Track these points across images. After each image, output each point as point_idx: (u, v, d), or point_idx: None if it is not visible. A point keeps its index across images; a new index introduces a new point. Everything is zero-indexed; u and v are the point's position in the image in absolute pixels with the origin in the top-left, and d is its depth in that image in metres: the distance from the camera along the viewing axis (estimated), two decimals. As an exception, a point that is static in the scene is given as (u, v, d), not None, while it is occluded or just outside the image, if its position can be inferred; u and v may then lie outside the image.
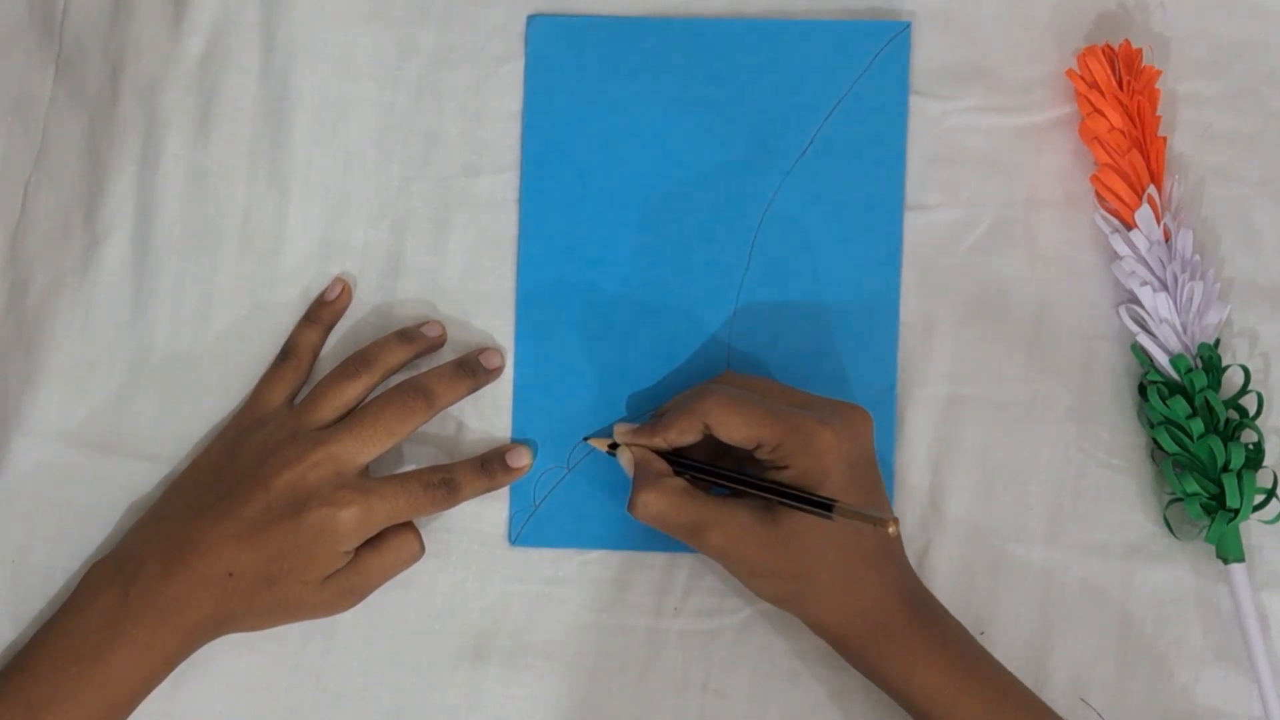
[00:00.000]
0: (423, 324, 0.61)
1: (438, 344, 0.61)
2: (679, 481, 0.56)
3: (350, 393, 0.58)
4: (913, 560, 0.60)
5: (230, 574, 0.55)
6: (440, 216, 0.63)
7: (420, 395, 0.58)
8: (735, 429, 0.55)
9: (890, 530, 0.49)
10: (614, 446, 0.59)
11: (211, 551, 0.55)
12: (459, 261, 0.63)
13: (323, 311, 0.61)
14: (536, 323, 0.62)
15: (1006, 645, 0.59)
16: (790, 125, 0.63)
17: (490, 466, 0.60)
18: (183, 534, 0.56)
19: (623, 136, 0.63)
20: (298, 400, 0.60)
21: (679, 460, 0.57)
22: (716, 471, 0.57)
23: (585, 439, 0.61)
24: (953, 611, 0.57)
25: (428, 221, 0.63)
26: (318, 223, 0.63)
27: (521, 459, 0.60)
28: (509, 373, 0.62)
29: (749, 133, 0.63)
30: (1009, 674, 0.56)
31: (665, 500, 0.55)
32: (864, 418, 0.56)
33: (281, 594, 0.56)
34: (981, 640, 0.58)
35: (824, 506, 0.52)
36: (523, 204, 0.63)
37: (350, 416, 0.57)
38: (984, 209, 0.63)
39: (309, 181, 0.63)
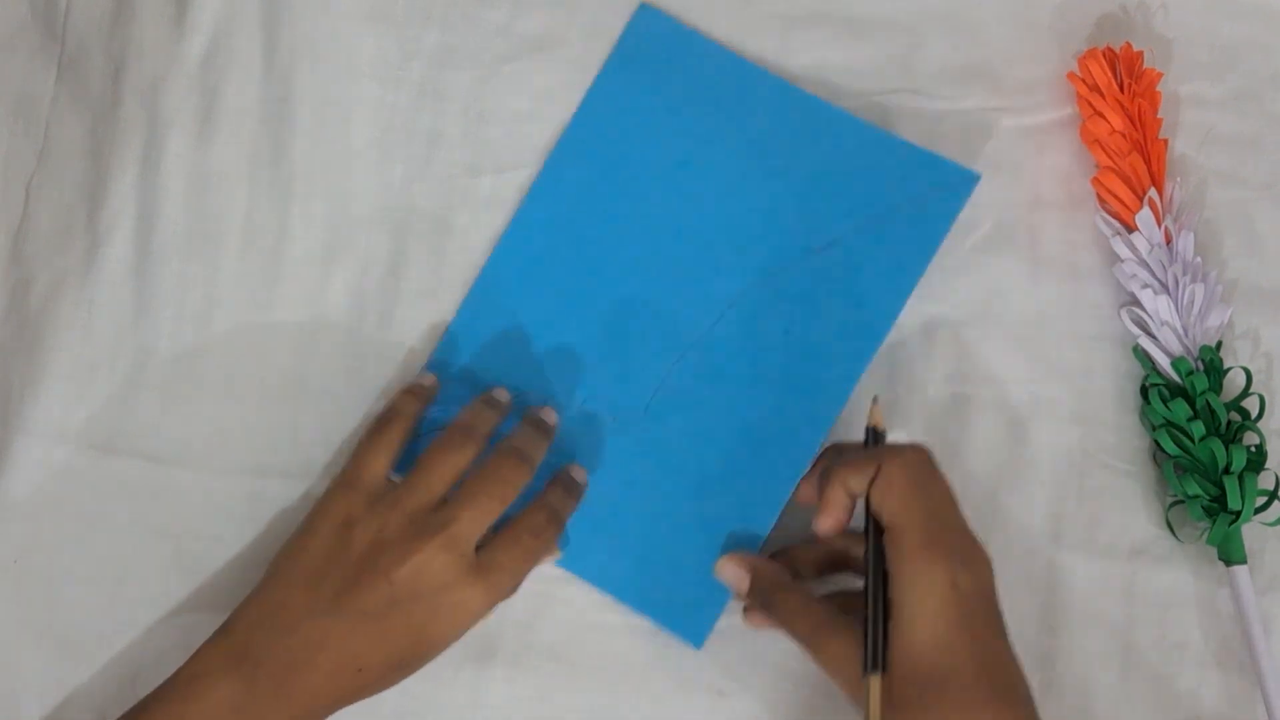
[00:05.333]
0: (494, 389, 0.60)
1: (508, 410, 0.61)
2: (802, 588, 0.56)
3: (459, 465, 0.56)
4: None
5: (360, 669, 0.54)
6: (442, 217, 0.63)
7: (522, 460, 0.57)
8: (892, 499, 0.52)
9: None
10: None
11: (339, 651, 0.53)
12: (460, 262, 0.63)
13: (425, 386, 0.60)
14: (487, 302, 0.62)
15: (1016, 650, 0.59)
16: (823, 217, 0.61)
17: (569, 484, 0.59)
18: (306, 633, 0.54)
19: (662, 158, 0.62)
20: (399, 472, 0.58)
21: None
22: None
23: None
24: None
25: (429, 222, 0.63)
26: (319, 223, 0.63)
27: (584, 472, 0.60)
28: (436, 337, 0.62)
29: (781, 207, 0.62)
30: None
31: (792, 602, 0.55)
32: (985, 563, 0.53)
33: (410, 670, 0.55)
34: None
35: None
36: (535, 189, 0.62)
37: (462, 491, 0.56)
38: (985, 210, 0.63)
39: (311, 182, 0.63)
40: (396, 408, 0.59)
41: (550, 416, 0.60)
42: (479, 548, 0.55)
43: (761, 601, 0.56)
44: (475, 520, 0.55)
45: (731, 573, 0.58)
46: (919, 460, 0.53)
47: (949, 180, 0.61)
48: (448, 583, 0.54)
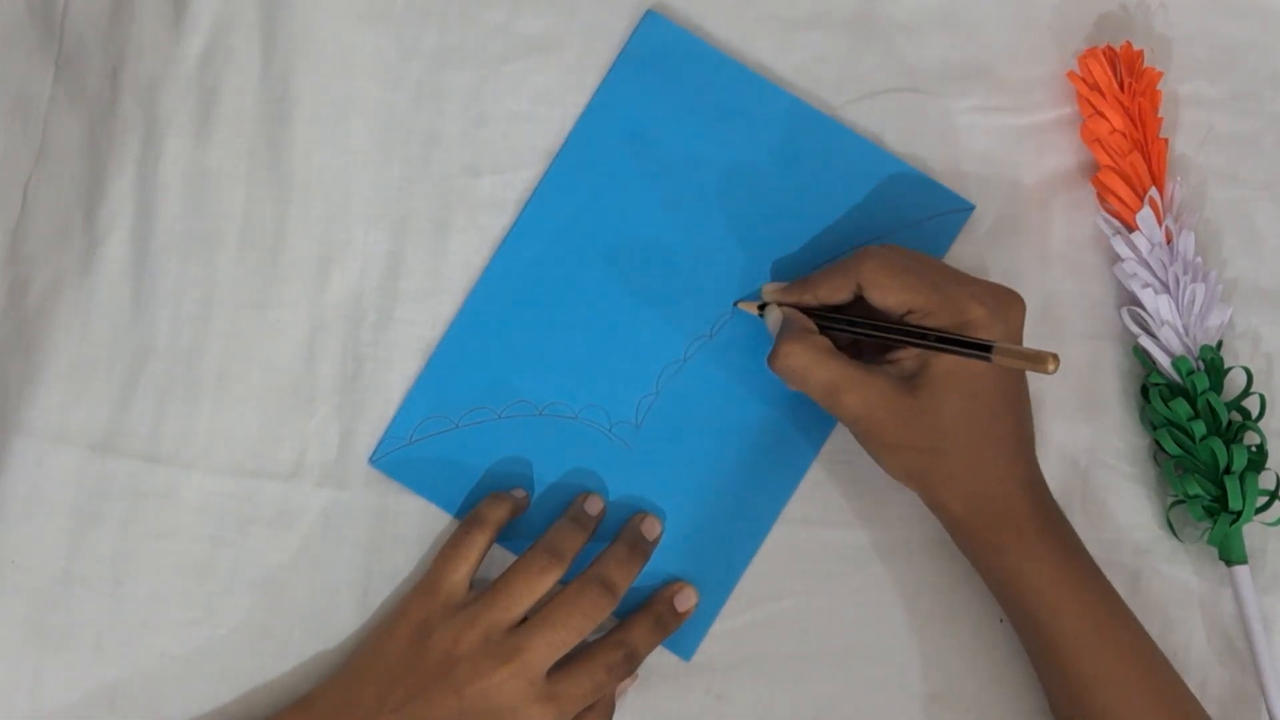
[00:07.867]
0: (585, 501, 0.60)
1: (600, 519, 0.60)
2: (824, 340, 0.55)
3: (542, 588, 0.56)
4: (917, 560, 0.60)
5: None
6: (441, 217, 0.63)
7: (606, 591, 0.56)
8: (890, 292, 0.54)
9: (1050, 368, 0.47)
10: (763, 308, 0.58)
11: None
12: (459, 262, 0.62)
13: (514, 497, 0.60)
14: (488, 305, 0.61)
15: (1015, 647, 0.59)
16: (820, 236, 0.62)
17: (663, 619, 0.59)
18: None
19: (665, 167, 0.62)
20: (481, 585, 0.58)
21: (826, 318, 0.56)
22: (866, 323, 0.55)
23: (735, 303, 0.60)
24: (961, 608, 0.57)
25: (428, 222, 0.63)
26: (318, 223, 0.62)
27: (690, 599, 0.59)
28: (435, 337, 0.61)
29: (780, 223, 0.62)
30: (1117, 593, 0.56)
31: (808, 354, 0.54)
32: (1017, 301, 0.55)
33: None
34: (1001, 627, 0.58)
35: (982, 348, 0.51)
36: (538, 193, 0.62)
37: (540, 618, 0.56)
38: (985, 209, 0.63)
39: (309, 181, 0.63)
40: (481, 515, 0.58)
41: (651, 530, 0.60)
42: (552, 669, 0.55)
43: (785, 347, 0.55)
44: (550, 649, 0.55)
45: (772, 316, 0.58)
46: (886, 252, 0.55)
47: (945, 208, 0.62)
48: (515, 706, 0.54)
